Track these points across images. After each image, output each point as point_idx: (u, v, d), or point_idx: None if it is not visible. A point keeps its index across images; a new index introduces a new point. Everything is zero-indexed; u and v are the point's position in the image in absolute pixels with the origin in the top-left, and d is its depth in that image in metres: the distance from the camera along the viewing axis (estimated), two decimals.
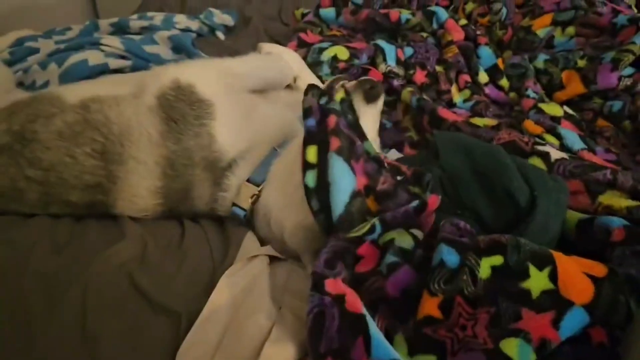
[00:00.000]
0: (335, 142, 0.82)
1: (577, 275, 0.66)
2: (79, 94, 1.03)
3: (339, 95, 0.93)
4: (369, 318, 0.63)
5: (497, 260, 0.68)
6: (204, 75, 1.03)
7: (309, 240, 0.87)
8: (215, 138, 0.97)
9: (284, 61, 1.24)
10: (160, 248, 0.94)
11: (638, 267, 0.69)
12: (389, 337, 0.66)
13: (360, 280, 0.72)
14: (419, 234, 0.76)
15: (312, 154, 0.82)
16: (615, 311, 0.64)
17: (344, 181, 0.80)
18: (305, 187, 0.82)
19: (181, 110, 0.97)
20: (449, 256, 0.70)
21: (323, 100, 0.90)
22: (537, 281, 0.66)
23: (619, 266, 0.70)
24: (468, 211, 0.85)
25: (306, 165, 0.82)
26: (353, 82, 1.05)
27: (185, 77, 1.00)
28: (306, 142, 0.84)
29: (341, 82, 1.00)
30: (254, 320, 0.76)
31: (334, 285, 0.68)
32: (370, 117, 1.04)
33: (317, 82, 1.25)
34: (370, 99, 1.04)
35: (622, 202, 0.87)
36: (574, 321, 0.63)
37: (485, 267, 0.68)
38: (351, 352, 0.62)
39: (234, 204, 0.98)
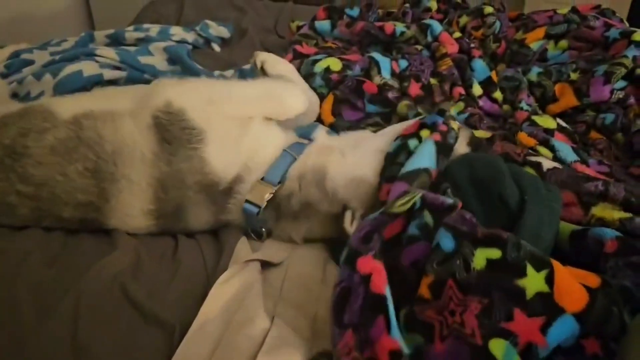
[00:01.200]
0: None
1: (573, 284, 0.66)
2: (71, 108, 1.01)
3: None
4: (389, 300, 0.66)
5: (494, 253, 0.69)
6: (197, 101, 1.00)
7: (364, 194, 0.96)
8: (208, 161, 0.97)
9: (293, 93, 1.12)
10: (154, 259, 0.94)
11: (632, 279, 0.70)
12: (397, 310, 0.68)
13: (385, 247, 0.75)
14: None
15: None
16: (609, 322, 0.64)
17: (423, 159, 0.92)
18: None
19: (173, 133, 0.96)
20: (445, 240, 0.71)
21: None
22: (533, 281, 0.66)
23: (613, 277, 0.70)
24: None
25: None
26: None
27: (178, 102, 0.98)
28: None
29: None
30: (246, 332, 0.76)
31: (364, 264, 0.70)
32: None
33: (308, 95, 1.24)
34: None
35: (615, 214, 0.88)
36: (563, 329, 0.63)
37: (481, 257, 0.69)
38: (370, 330, 0.65)
39: (246, 201, 0.98)
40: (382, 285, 0.68)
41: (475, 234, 0.71)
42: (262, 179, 0.99)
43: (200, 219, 0.99)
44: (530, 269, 0.67)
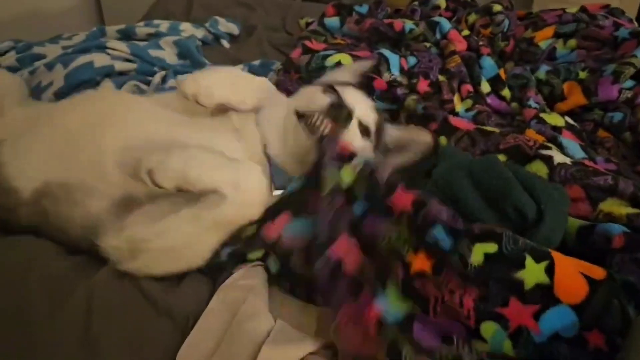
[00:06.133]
0: None
1: (573, 275, 0.67)
2: (32, 180, 0.91)
3: None
4: (366, 276, 0.74)
5: (491, 247, 0.71)
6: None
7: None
8: None
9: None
10: None
11: (637, 274, 0.70)
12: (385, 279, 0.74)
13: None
14: None
15: None
16: (609, 314, 0.64)
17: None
18: None
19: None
20: (443, 237, 0.74)
21: None
22: (532, 273, 0.67)
23: (618, 273, 0.70)
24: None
25: None
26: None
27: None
28: None
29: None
30: (252, 325, 0.76)
31: (334, 251, 0.77)
32: None
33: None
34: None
35: (623, 209, 0.88)
36: (558, 317, 0.65)
37: (478, 253, 0.71)
38: (357, 304, 0.72)
39: None
40: (352, 268, 0.75)
41: (471, 230, 0.73)
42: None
43: None
44: (529, 261, 0.68)
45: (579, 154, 1.10)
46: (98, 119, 0.94)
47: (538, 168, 0.99)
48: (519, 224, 0.81)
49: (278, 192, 0.95)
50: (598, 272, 0.68)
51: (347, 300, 0.73)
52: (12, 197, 0.91)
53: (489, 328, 0.67)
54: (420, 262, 0.73)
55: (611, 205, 0.89)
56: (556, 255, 0.69)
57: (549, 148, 1.03)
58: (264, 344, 0.73)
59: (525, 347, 0.65)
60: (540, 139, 1.12)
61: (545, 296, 0.66)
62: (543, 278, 0.67)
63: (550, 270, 0.67)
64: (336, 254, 0.77)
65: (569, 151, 1.10)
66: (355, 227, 0.80)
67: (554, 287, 0.66)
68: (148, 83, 1.38)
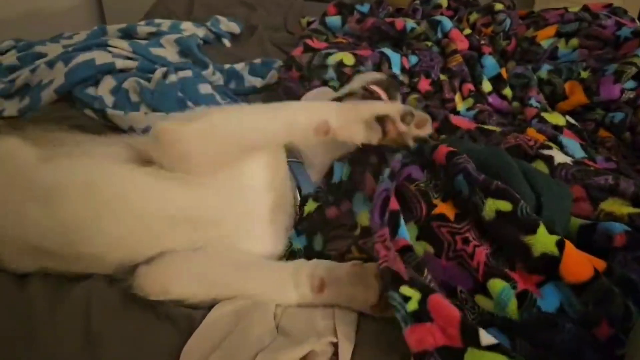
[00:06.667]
0: None
1: (582, 256, 0.69)
2: (27, 267, 0.88)
3: None
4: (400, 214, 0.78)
5: (505, 205, 0.73)
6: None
7: None
8: None
9: None
10: None
11: (639, 273, 0.70)
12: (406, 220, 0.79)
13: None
14: None
15: None
16: (611, 301, 0.65)
17: None
18: None
19: None
20: (461, 185, 0.79)
21: None
22: (542, 240, 0.69)
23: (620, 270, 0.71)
24: None
25: None
26: None
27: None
28: None
29: None
30: (256, 331, 0.77)
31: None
32: None
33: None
34: None
35: (624, 209, 0.88)
36: (557, 290, 0.68)
37: (491, 208, 0.74)
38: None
39: None
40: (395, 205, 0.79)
41: (488, 184, 0.76)
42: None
43: None
44: (542, 229, 0.70)
45: (579, 153, 1.10)
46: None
47: (539, 168, 0.99)
48: None
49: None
50: (600, 264, 0.70)
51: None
52: None
53: (497, 284, 0.69)
54: (444, 208, 0.79)
55: (612, 205, 0.89)
56: (567, 242, 0.70)
57: (550, 148, 1.02)
58: (259, 353, 0.73)
59: (529, 310, 0.67)
60: (541, 138, 1.12)
61: (548, 269, 0.68)
62: (552, 248, 0.68)
63: (560, 245, 0.68)
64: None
65: (569, 150, 1.10)
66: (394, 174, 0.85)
67: (561, 262, 0.67)
68: (149, 80, 1.38)
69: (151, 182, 0.85)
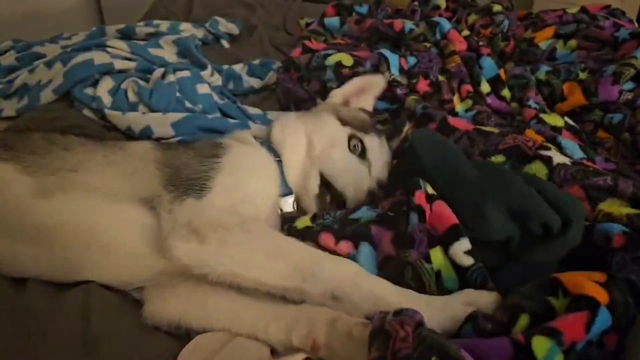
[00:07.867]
0: None
1: (586, 279, 0.64)
2: None
3: None
4: None
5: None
6: None
7: None
8: None
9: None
10: None
11: (637, 273, 0.70)
12: None
13: None
14: None
15: None
16: (628, 313, 0.62)
17: None
18: None
19: None
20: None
21: None
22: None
23: (618, 272, 0.70)
24: None
25: None
26: None
27: None
28: None
29: None
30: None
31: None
32: None
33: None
34: None
35: (623, 209, 0.88)
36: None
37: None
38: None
39: None
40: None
41: None
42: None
43: None
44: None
45: (578, 153, 1.10)
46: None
47: (537, 168, 0.99)
48: (541, 238, 0.81)
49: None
50: (599, 276, 0.65)
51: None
52: None
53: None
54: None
55: (611, 206, 0.89)
56: (561, 276, 0.66)
57: (549, 148, 1.02)
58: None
59: None
60: (540, 139, 1.12)
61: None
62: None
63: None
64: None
65: (568, 151, 1.10)
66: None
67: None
68: (147, 81, 1.37)
69: (151, 228, 0.85)
